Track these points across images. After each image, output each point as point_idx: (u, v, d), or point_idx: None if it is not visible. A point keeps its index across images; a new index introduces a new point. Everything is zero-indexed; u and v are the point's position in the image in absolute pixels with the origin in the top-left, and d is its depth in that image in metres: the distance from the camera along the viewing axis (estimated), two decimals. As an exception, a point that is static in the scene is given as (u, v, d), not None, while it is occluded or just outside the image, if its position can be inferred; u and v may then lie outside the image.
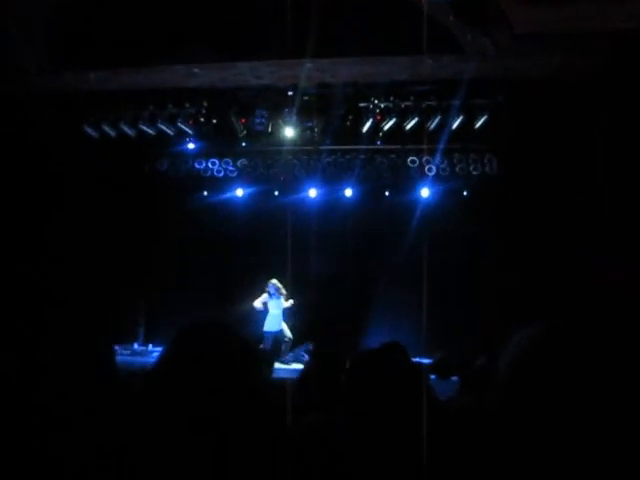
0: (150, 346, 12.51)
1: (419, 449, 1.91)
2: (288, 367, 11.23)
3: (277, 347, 11.71)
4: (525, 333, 1.25)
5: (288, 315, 11.91)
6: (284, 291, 11.67)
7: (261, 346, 11.15)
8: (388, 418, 1.98)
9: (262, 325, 11.60)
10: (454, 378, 7.01)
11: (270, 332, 11.54)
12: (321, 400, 3.38)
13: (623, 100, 9.20)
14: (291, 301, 11.67)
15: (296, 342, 11.84)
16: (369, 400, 2.01)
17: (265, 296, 11.70)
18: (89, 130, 11.27)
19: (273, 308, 11.62)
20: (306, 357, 11.49)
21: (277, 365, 10.89)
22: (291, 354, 11.69)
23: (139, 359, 11.37)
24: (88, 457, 1.78)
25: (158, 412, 1.36)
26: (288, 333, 11.72)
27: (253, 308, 11.72)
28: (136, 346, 12.47)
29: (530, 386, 1.17)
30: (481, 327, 11.01)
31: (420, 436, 1.93)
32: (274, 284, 11.63)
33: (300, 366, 10.20)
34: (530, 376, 1.18)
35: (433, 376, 7.78)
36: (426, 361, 10.02)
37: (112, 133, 11.30)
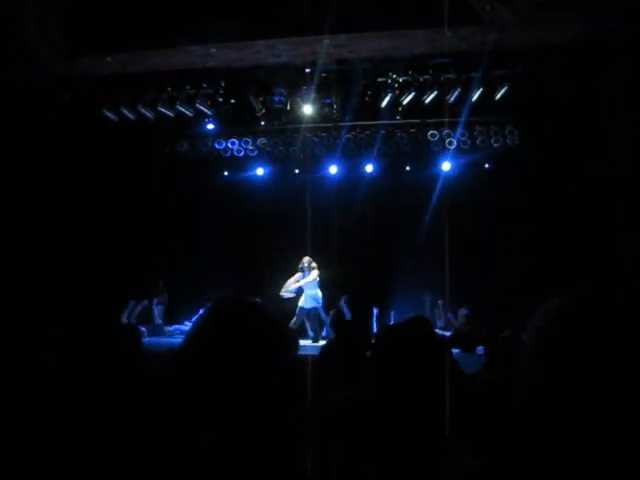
0: (173, 327, 12.60)
1: (444, 423, 1.92)
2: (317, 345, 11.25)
3: (306, 325, 11.73)
4: (551, 304, 1.23)
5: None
6: (314, 265, 11.57)
7: (293, 322, 11.18)
8: (415, 392, 1.98)
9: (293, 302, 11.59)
10: (479, 351, 7.00)
11: (302, 307, 11.52)
12: (342, 376, 3.39)
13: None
14: (316, 272, 11.56)
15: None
16: (396, 375, 2.01)
17: (298, 275, 11.66)
18: (108, 114, 11.31)
19: (307, 287, 11.56)
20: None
21: (306, 342, 10.94)
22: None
23: (163, 339, 11.49)
24: (115, 439, 1.80)
25: (185, 393, 1.37)
26: (322, 314, 11.66)
27: (281, 291, 11.72)
28: (158, 323, 12.55)
29: (556, 359, 1.16)
30: (506, 300, 10.97)
31: (445, 410, 1.93)
32: (309, 261, 11.53)
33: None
34: (556, 349, 1.16)
35: (457, 350, 7.78)
36: (448, 334, 10.05)
37: (131, 116, 11.32)
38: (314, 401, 2.10)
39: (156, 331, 12.00)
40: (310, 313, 11.64)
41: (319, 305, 11.55)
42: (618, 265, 8.99)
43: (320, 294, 11.54)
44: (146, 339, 11.18)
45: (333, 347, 3.90)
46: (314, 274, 11.52)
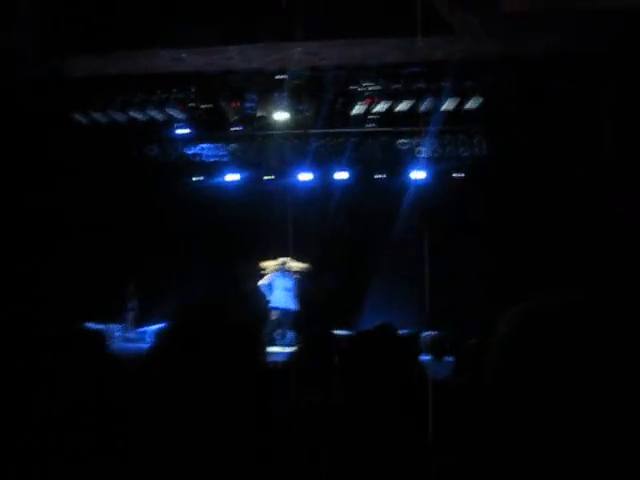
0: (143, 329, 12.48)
1: (413, 426, 1.93)
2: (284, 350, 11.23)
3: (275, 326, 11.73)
4: (517, 310, 1.25)
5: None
6: (294, 266, 11.58)
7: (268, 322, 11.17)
8: (383, 396, 1.99)
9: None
10: (449, 359, 7.06)
11: (277, 308, 11.52)
12: (312, 382, 3.39)
13: (625, 81, 9.18)
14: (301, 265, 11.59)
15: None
16: (365, 379, 2.02)
17: (269, 276, 11.67)
18: (78, 117, 11.19)
19: (281, 288, 11.56)
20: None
21: (275, 349, 10.91)
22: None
23: (132, 345, 11.38)
24: (80, 442, 1.78)
25: (154, 397, 1.37)
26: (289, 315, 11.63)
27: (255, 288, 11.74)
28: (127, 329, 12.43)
29: (522, 364, 1.17)
30: (476, 308, 11.06)
31: (414, 413, 1.94)
32: (284, 262, 11.56)
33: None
34: (521, 354, 1.18)
35: (427, 356, 7.84)
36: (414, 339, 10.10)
37: (101, 119, 11.23)
38: (283, 406, 2.10)
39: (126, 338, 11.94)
40: (283, 315, 11.63)
41: (295, 307, 11.57)
42: (591, 272, 9.11)
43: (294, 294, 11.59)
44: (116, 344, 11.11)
45: (303, 353, 3.91)
46: (301, 265, 11.56)
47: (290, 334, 11.51)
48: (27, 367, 2.16)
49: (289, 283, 11.51)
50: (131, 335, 12.15)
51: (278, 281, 11.56)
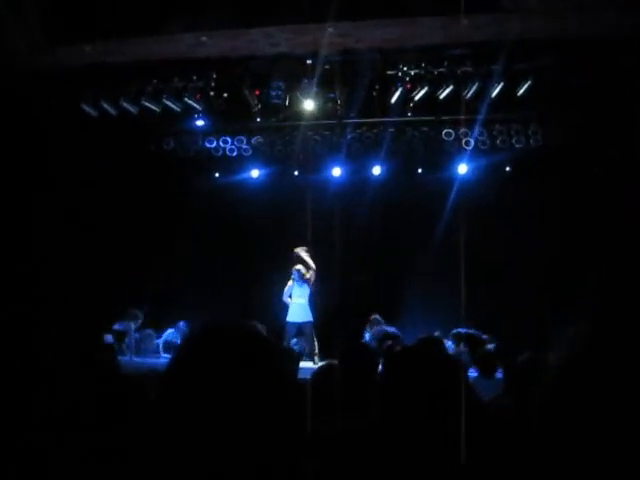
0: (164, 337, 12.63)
1: (458, 453, 1.94)
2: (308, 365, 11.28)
3: (299, 343, 11.75)
4: (582, 329, 1.22)
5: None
6: (309, 275, 11.62)
7: (286, 342, 11.20)
8: (426, 420, 2.01)
9: (285, 316, 11.65)
10: (499, 375, 7.03)
11: (294, 323, 11.55)
12: (345, 404, 3.41)
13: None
14: (312, 273, 11.61)
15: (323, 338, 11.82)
16: (406, 401, 2.04)
17: (289, 284, 11.73)
18: (87, 108, 11.35)
19: (297, 297, 11.62)
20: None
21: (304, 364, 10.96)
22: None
23: (149, 360, 11.53)
24: (89, 463, 1.84)
25: (172, 419, 1.40)
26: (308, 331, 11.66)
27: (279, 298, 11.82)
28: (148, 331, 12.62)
29: (583, 393, 1.15)
30: (526, 315, 11.01)
31: (460, 439, 1.95)
32: (298, 270, 11.61)
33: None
34: (589, 380, 1.15)
35: (475, 372, 7.80)
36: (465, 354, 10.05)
37: (112, 111, 11.37)
38: (314, 433, 2.12)
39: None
40: (302, 328, 11.65)
41: (311, 319, 11.59)
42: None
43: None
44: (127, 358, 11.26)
45: (334, 370, 3.92)
46: (309, 274, 11.58)
47: (309, 346, 11.54)
48: (27, 368, 2.23)
49: (305, 291, 11.57)
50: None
51: (294, 290, 11.63)
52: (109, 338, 11.55)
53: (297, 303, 11.61)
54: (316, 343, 11.57)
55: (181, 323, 12.49)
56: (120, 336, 12.13)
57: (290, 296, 11.74)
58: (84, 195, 12.06)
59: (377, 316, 11.52)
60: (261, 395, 1.41)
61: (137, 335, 12.49)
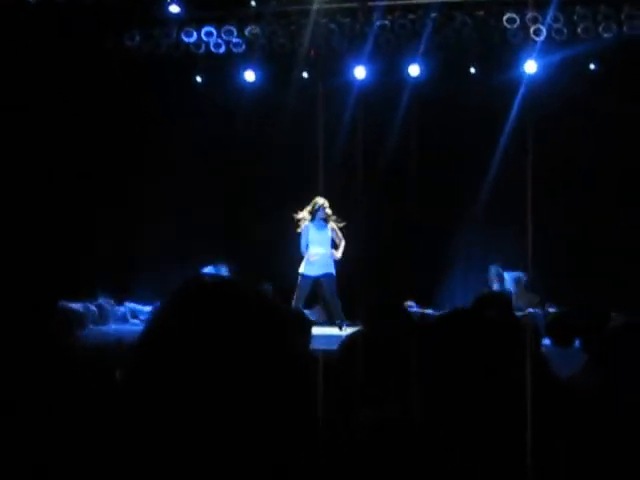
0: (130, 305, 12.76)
1: (525, 451, 1.95)
2: (333, 333, 11.34)
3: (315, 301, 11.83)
4: None
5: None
6: (334, 221, 11.60)
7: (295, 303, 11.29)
8: (482, 409, 2.02)
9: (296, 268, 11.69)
10: (577, 344, 7.06)
11: (308, 277, 11.57)
12: (376, 385, 3.44)
13: None
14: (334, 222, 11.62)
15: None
16: (455, 383, 2.05)
17: (303, 218, 11.64)
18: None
19: (315, 244, 11.56)
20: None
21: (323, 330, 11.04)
22: None
23: (115, 327, 11.67)
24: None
25: (145, 408, 1.41)
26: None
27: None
28: (102, 301, 12.71)
29: None
30: (612, 270, 11.02)
31: (527, 433, 1.96)
32: (321, 205, 11.51)
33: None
34: None
35: (548, 341, 7.84)
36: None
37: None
38: (334, 423, 2.12)
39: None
40: (321, 284, 11.66)
41: (333, 271, 11.57)
42: None
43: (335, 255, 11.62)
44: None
45: (360, 341, 3.94)
46: (333, 224, 11.55)
47: (333, 306, 11.57)
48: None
49: (326, 236, 11.50)
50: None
51: (312, 234, 11.56)
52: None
53: (315, 253, 11.58)
54: (339, 304, 11.61)
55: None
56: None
57: (306, 245, 11.68)
58: (16, 117, 12.02)
59: (410, 303, 11.62)
60: (262, 377, 1.42)
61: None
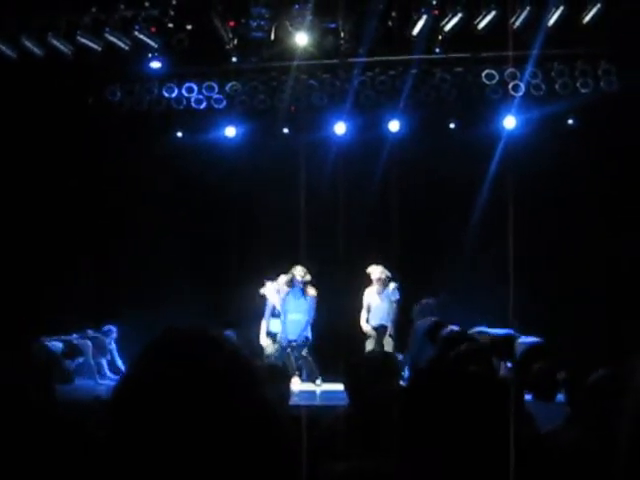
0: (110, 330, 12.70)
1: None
2: (311, 389, 11.38)
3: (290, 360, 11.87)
4: None
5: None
6: (309, 277, 11.72)
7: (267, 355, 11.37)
8: (462, 463, 2.02)
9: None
10: (560, 397, 7.07)
11: (287, 340, 11.66)
12: (354, 439, 3.43)
13: None
14: (313, 290, 11.73)
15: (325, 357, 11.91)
16: (434, 437, 2.05)
17: (282, 287, 11.75)
18: (3, 47, 11.30)
19: (293, 311, 11.69)
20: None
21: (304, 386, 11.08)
22: None
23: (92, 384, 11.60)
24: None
25: (125, 458, 1.41)
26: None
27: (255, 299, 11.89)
28: (91, 333, 12.66)
29: None
30: (593, 319, 11.04)
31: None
32: (299, 277, 11.65)
33: (332, 387, 10.35)
34: None
35: (529, 396, 7.85)
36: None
37: (37, 51, 11.32)
38: (313, 476, 2.12)
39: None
40: (296, 347, 11.74)
41: (309, 336, 11.71)
42: None
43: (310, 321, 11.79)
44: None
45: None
46: (312, 291, 11.66)
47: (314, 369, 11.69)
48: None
49: (303, 304, 11.65)
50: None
51: (289, 302, 11.71)
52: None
53: (293, 320, 11.70)
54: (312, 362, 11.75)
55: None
56: (72, 351, 12.20)
57: (277, 314, 11.87)
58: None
59: (430, 300, 11.65)
60: (232, 426, 1.43)
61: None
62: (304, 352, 11.83)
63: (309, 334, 11.83)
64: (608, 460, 1.33)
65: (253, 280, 12.31)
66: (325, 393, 11.00)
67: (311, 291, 11.75)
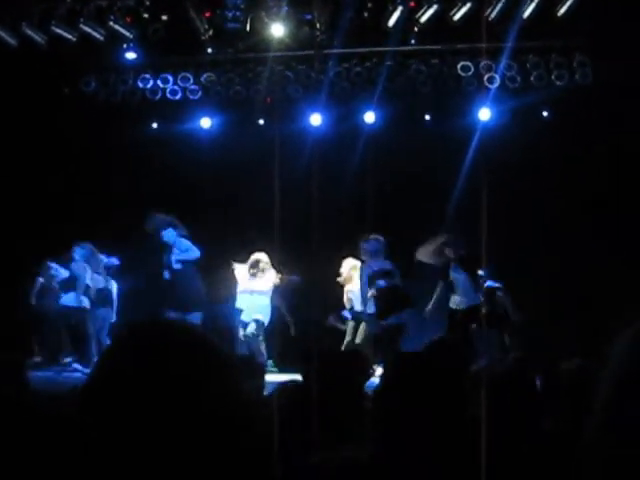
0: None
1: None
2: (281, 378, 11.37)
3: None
4: None
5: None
6: (268, 267, 11.83)
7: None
8: (432, 451, 2.02)
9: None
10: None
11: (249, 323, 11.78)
12: (328, 429, 3.42)
13: None
14: (276, 278, 11.86)
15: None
16: (407, 426, 2.05)
17: (244, 270, 11.88)
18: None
19: (255, 294, 11.82)
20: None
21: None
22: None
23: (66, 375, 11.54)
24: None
25: (93, 453, 1.40)
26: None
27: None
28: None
29: None
30: (567, 311, 11.08)
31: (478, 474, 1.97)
32: (257, 259, 11.79)
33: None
34: None
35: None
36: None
37: (11, 41, 11.25)
38: (286, 469, 2.12)
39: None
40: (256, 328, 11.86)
41: (268, 319, 11.84)
42: None
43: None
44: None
45: (313, 382, 3.93)
46: (273, 275, 11.77)
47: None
48: None
49: (264, 288, 11.81)
50: None
51: (251, 284, 11.85)
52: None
53: (256, 300, 11.85)
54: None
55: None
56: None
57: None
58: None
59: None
60: (205, 419, 1.42)
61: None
62: (260, 335, 11.95)
63: (266, 319, 11.97)
64: (581, 454, 1.34)
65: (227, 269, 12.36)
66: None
67: (272, 276, 11.90)
